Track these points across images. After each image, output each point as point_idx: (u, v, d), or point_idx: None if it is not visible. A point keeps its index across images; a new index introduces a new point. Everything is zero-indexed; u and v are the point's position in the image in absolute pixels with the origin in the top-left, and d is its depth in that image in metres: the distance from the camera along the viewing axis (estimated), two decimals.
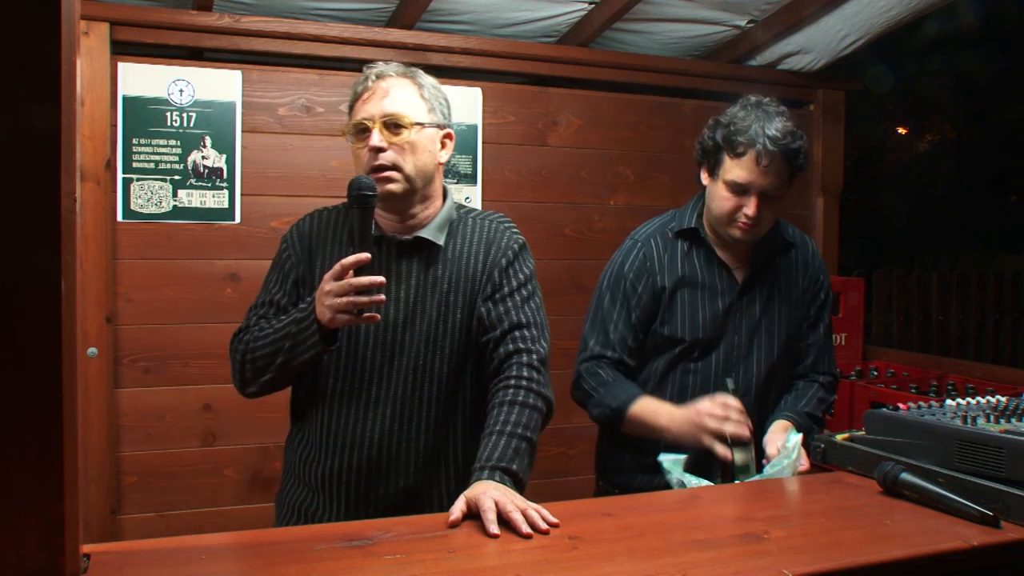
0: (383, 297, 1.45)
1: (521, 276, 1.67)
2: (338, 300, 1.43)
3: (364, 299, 1.42)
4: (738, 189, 1.88)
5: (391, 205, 1.61)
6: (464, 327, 1.63)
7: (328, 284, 1.44)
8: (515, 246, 1.69)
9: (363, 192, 1.46)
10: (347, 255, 1.45)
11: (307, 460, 1.66)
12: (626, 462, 2.00)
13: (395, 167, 1.56)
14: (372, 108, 1.57)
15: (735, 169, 1.87)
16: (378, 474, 1.61)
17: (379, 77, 1.60)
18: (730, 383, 1.86)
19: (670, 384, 2.01)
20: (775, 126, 1.88)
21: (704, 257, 2.00)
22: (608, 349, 1.96)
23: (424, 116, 1.61)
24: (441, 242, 1.64)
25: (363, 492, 1.61)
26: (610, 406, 1.89)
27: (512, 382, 1.55)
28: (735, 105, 1.96)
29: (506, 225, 1.72)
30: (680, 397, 1.99)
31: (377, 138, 1.55)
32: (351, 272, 1.42)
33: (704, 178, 1.98)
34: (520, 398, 1.53)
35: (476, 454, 1.62)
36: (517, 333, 1.60)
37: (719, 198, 1.91)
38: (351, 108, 1.62)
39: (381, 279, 1.43)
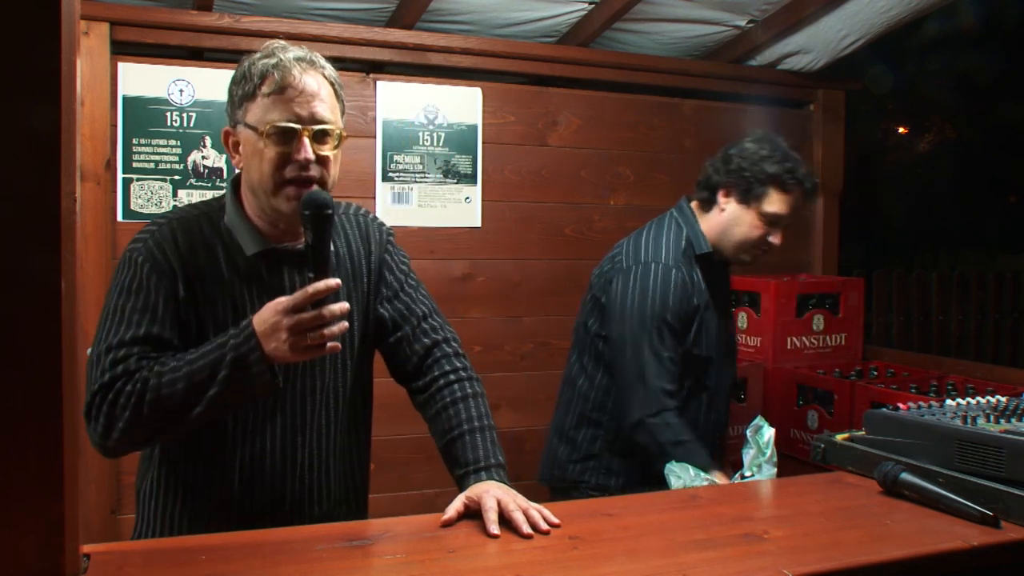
0: (347, 324, 1.30)
1: (404, 265, 1.60)
2: (308, 336, 1.26)
3: (336, 329, 1.27)
4: (774, 220, 2.01)
5: (294, 219, 1.40)
6: (360, 332, 1.52)
7: (288, 318, 1.26)
8: (389, 236, 1.61)
9: (325, 211, 1.29)
10: (261, 268, 1.36)
11: (194, 513, 1.44)
12: (633, 472, 2.02)
13: (321, 182, 1.39)
14: (301, 110, 1.37)
15: (780, 203, 2.00)
16: (294, 509, 1.45)
17: (303, 69, 1.39)
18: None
19: (693, 402, 2.08)
20: (805, 166, 2.05)
21: (711, 276, 2.08)
22: (671, 383, 1.96)
23: (342, 122, 1.45)
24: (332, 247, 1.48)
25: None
26: (700, 463, 1.88)
27: (452, 377, 1.54)
28: (755, 141, 2.04)
29: (371, 216, 1.62)
30: (704, 413, 2.09)
31: (310, 150, 1.37)
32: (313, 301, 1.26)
33: (727, 202, 2.03)
34: (469, 390, 1.53)
35: (369, 456, 1.60)
36: (426, 324, 1.57)
37: (749, 226, 2.01)
38: (253, 95, 1.39)
39: (346, 305, 1.29)
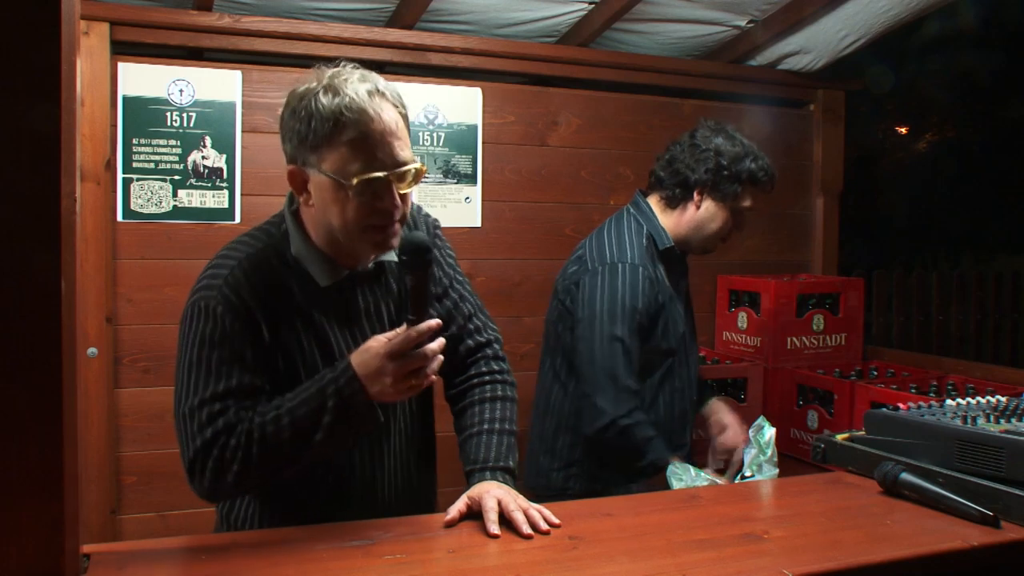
0: (443, 358, 1.32)
1: (450, 259, 1.59)
2: (412, 381, 1.28)
3: (436, 365, 1.30)
4: (745, 214, 2.10)
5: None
6: None
7: (394, 363, 1.26)
8: (436, 229, 1.58)
9: (427, 256, 1.31)
10: (335, 298, 1.35)
11: (284, 515, 1.45)
12: (618, 475, 2.04)
13: (402, 221, 1.39)
14: (384, 156, 1.32)
15: (752, 198, 2.08)
16: (364, 509, 1.45)
17: (378, 109, 1.33)
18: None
19: (662, 395, 2.09)
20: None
21: (672, 270, 2.12)
22: (636, 383, 1.98)
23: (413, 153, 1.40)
24: (395, 257, 1.48)
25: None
26: (665, 459, 1.92)
27: (487, 377, 1.56)
28: (719, 135, 2.10)
29: (418, 206, 1.58)
30: (669, 405, 2.09)
31: (397, 197, 1.34)
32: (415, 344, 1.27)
33: (702, 200, 2.08)
34: (499, 393, 1.54)
35: (432, 472, 1.62)
36: (471, 325, 1.58)
37: (722, 221, 2.09)
38: (333, 141, 1.31)
39: (443, 341, 1.31)
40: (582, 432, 2.02)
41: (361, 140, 1.30)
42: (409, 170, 1.34)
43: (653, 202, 2.15)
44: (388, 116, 1.33)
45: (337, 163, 1.31)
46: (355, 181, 1.30)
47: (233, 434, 1.29)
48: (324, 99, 1.31)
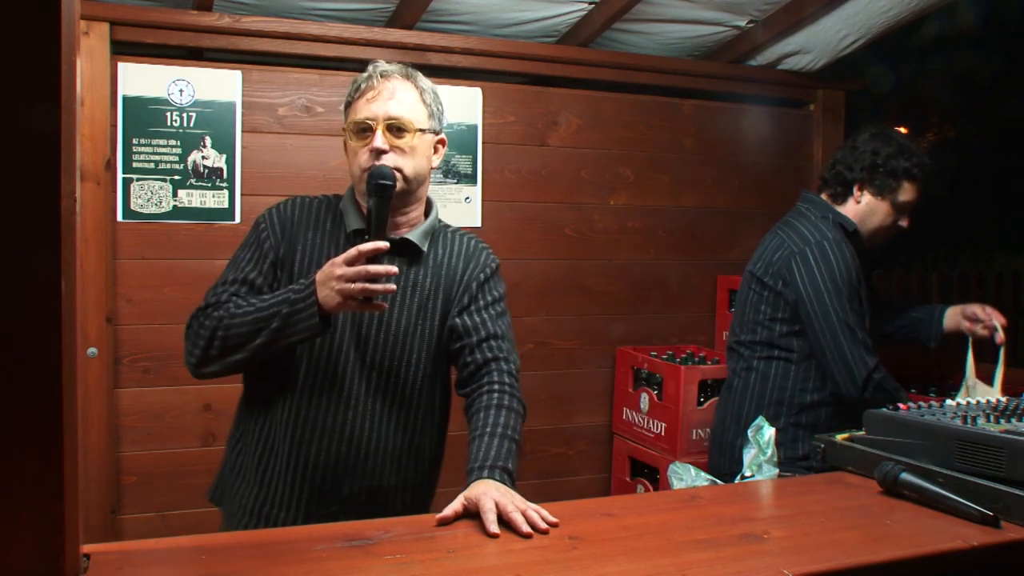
0: (394, 287, 1.48)
1: (495, 293, 1.70)
2: (350, 286, 1.43)
3: (378, 287, 1.44)
4: (905, 208, 2.27)
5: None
6: (437, 333, 1.66)
7: (340, 268, 1.43)
8: (492, 265, 1.73)
9: (383, 181, 1.50)
10: (359, 242, 1.47)
11: (265, 455, 1.63)
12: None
13: (396, 169, 1.57)
14: (376, 108, 1.58)
15: (911, 192, 2.26)
16: (344, 471, 1.60)
17: (384, 76, 1.60)
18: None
19: None
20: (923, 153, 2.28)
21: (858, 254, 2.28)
22: (869, 338, 2.16)
23: (425, 122, 1.63)
24: (425, 248, 1.66)
25: (326, 490, 1.60)
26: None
27: (496, 387, 1.59)
28: (876, 137, 2.30)
29: (483, 245, 1.76)
30: None
31: (380, 140, 1.56)
32: (364, 259, 1.43)
33: (861, 195, 2.27)
34: (506, 402, 1.57)
35: (439, 460, 1.72)
36: (493, 343, 1.64)
37: (885, 214, 2.28)
38: (350, 104, 1.62)
39: (394, 268, 1.45)
40: (840, 395, 2.16)
41: (360, 95, 1.60)
42: (398, 123, 1.57)
43: (826, 197, 2.35)
44: (393, 84, 1.59)
45: (348, 116, 1.63)
46: (350, 124, 1.60)
47: (217, 309, 1.55)
48: (359, 76, 1.63)
